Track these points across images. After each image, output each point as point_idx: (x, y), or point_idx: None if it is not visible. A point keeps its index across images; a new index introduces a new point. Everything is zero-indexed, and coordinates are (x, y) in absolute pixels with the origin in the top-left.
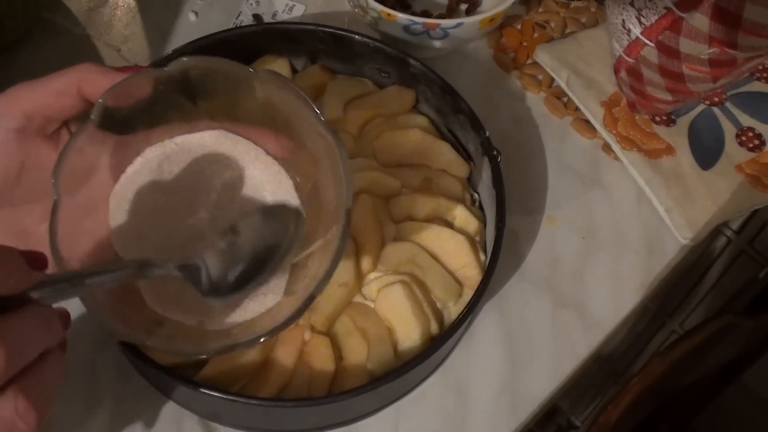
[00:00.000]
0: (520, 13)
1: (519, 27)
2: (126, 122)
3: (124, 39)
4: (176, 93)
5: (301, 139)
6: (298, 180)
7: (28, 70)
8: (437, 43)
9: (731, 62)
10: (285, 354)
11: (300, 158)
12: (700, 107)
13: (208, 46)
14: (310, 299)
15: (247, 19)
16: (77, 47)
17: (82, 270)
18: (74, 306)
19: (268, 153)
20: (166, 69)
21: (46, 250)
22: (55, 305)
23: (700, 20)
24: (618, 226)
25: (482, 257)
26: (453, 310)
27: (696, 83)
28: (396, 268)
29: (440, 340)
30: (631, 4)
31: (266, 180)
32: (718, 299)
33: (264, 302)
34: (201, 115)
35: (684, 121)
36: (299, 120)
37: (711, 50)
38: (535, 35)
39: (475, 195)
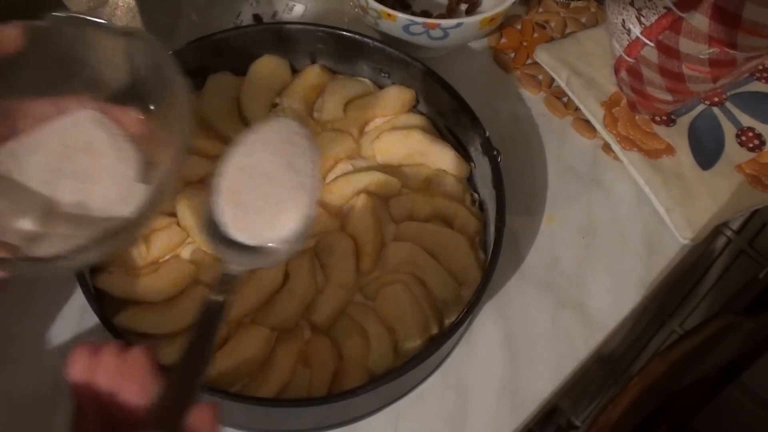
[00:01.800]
0: (520, 13)
1: (519, 27)
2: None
3: None
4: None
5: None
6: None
7: None
8: (437, 43)
9: (731, 62)
10: (285, 354)
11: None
12: (700, 107)
13: (208, 46)
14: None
15: (247, 19)
16: None
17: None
18: (74, 306)
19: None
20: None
21: None
22: None
23: (699, 20)
24: (618, 226)
25: (482, 257)
26: (453, 310)
27: (696, 83)
28: (396, 268)
29: (440, 340)
30: (631, 4)
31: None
32: (718, 299)
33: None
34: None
35: (684, 121)
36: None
37: (711, 50)
38: (535, 35)
39: (475, 195)
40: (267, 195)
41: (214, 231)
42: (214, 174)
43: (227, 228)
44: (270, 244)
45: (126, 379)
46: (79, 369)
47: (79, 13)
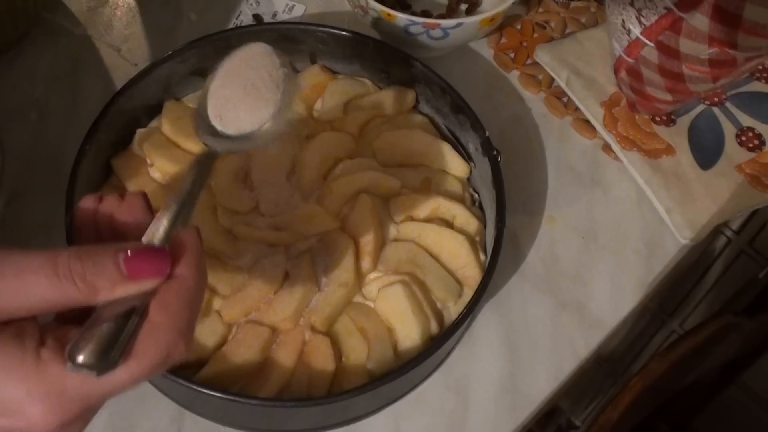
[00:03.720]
0: (520, 13)
1: (519, 27)
2: None
3: (124, 39)
4: None
5: None
6: None
7: (28, 70)
8: (437, 43)
9: (731, 62)
10: (285, 354)
11: None
12: (700, 107)
13: (208, 46)
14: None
15: (247, 19)
16: (77, 47)
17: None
18: None
19: None
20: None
21: None
22: None
23: (700, 20)
24: (618, 226)
25: (482, 257)
26: (453, 310)
27: (696, 83)
28: (396, 268)
29: (440, 340)
30: (631, 4)
31: None
32: (718, 299)
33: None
34: None
35: (684, 121)
36: None
37: (711, 50)
38: (535, 35)
39: (475, 195)
40: (246, 95)
41: (203, 124)
42: (207, 80)
43: (215, 122)
44: (247, 131)
45: (123, 213)
46: (86, 204)
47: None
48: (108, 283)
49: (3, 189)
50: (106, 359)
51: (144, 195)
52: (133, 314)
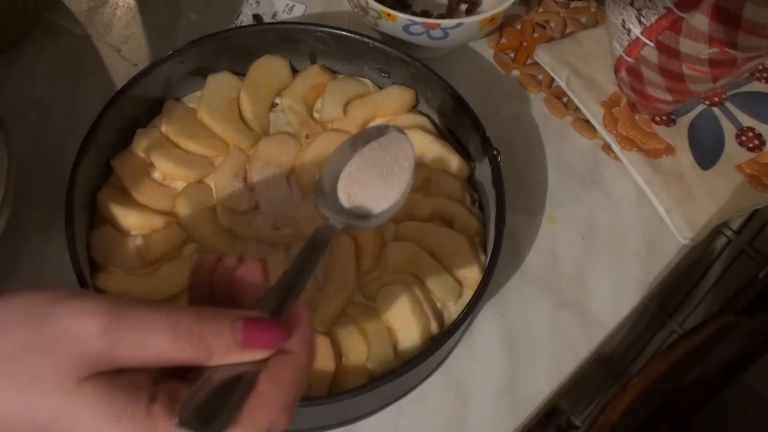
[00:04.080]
0: (520, 13)
1: (519, 27)
2: None
3: (124, 39)
4: None
5: None
6: None
7: (28, 70)
8: (437, 43)
9: (731, 62)
10: None
11: None
12: (700, 107)
13: (208, 46)
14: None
15: (247, 19)
16: (77, 47)
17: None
18: None
19: None
20: None
21: None
22: None
23: (699, 20)
24: (618, 226)
25: (482, 257)
26: (453, 310)
27: (696, 83)
28: (396, 268)
29: (440, 340)
30: (631, 4)
31: None
32: (718, 299)
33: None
34: None
35: (684, 121)
36: None
37: (711, 50)
38: (535, 35)
39: (475, 195)
40: (379, 178)
41: (325, 200)
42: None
43: (342, 198)
44: (371, 212)
45: (241, 275)
46: (202, 267)
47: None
48: (223, 348)
49: (10, 188)
50: (214, 424)
51: (263, 262)
52: (241, 381)
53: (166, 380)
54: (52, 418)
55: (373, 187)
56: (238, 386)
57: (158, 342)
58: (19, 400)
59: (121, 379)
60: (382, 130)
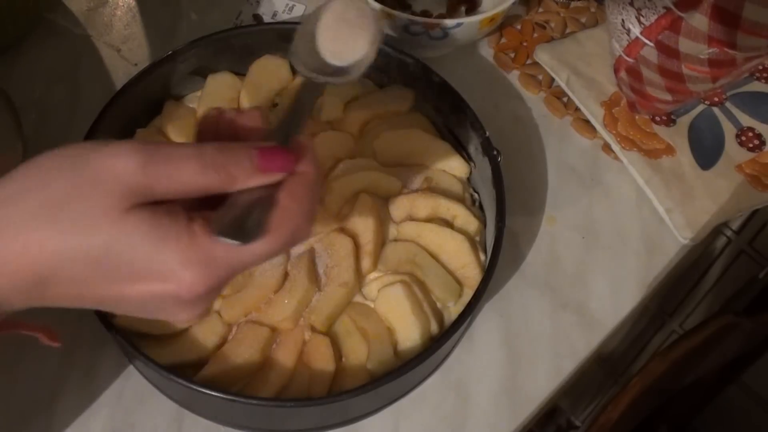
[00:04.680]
0: (520, 13)
1: (519, 27)
2: None
3: (124, 39)
4: None
5: None
6: None
7: (28, 70)
8: (437, 43)
9: (731, 62)
10: (285, 354)
11: None
12: (700, 107)
13: (208, 46)
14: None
15: (247, 19)
16: (77, 47)
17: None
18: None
19: None
20: None
21: None
22: None
23: (699, 20)
24: (618, 226)
25: (482, 257)
26: (453, 310)
27: (696, 83)
28: (396, 268)
29: (440, 340)
30: (631, 4)
31: None
32: (718, 299)
33: None
34: None
35: (684, 121)
36: None
37: (710, 50)
38: (535, 35)
39: (475, 195)
40: (349, 31)
41: (303, 60)
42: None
43: (325, 55)
44: (349, 63)
45: (243, 120)
46: (209, 113)
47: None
48: (244, 174)
49: None
50: (248, 232)
51: (261, 109)
52: (264, 200)
53: (198, 210)
54: (106, 248)
55: (350, 39)
56: (262, 204)
57: (188, 172)
58: (72, 237)
59: (160, 208)
60: None
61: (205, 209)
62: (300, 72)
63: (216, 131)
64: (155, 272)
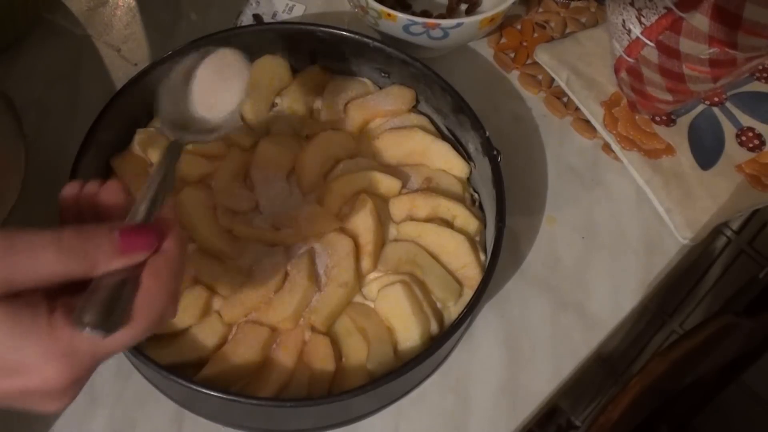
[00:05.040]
0: (520, 13)
1: (519, 27)
2: None
3: (124, 39)
4: None
5: None
6: None
7: (28, 70)
8: (437, 43)
9: (731, 62)
10: (285, 354)
11: None
12: (700, 107)
13: (208, 46)
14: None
15: (247, 19)
16: (77, 47)
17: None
18: None
19: None
20: None
21: None
22: None
23: (700, 20)
24: (618, 226)
25: (482, 257)
26: (453, 310)
27: (696, 83)
28: (396, 268)
29: (440, 340)
30: (631, 4)
31: None
32: (718, 299)
33: None
34: None
35: (684, 121)
36: None
37: (711, 50)
38: (535, 35)
39: (475, 195)
40: (223, 84)
41: (169, 120)
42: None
43: (196, 107)
44: (219, 118)
45: (104, 196)
46: (69, 189)
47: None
48: (105, 257)
49: (27, 177)
50: (111, 321)
51: (123, 182)
52: (127, 283)
53: (60, 297)
54: None
55: (224, 90)
56: (125, 288)
57: (47, 260)
58: None
59: (19, 301)
60: (210, 50)
61: (70, 293)
62: (165, 133)
63: (78, 209)
64: (18, 368)
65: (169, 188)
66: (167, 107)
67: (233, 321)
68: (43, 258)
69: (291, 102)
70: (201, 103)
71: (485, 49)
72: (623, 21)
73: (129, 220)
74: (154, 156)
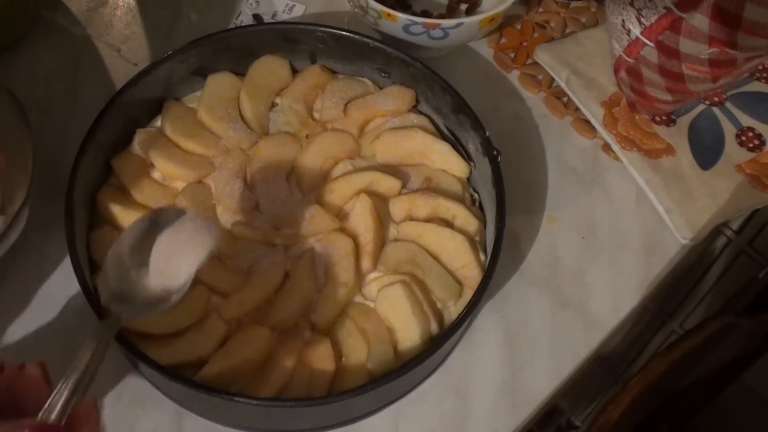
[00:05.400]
0: (520, 13)
1: (519, 27)
2: None
3: (124, 39)
4: None
5: None
6: None
7: (28, 70)
8: (437, 43)
9: (731, 62)
10: (285, 354)
11: None
12: (700, 107)
13: (208, 46)
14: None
15: (247, 19)
16: (77, 47)
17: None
18: (73, 306)
19: None
20: None
21: None
22: None
23: (699, 20)
24: (618, 226)
25: (482, 257)
26: (453, 310)
27: (696, 83)
28: (396, 268)
29: (440, 340)
30: (631, 4)
31: None
32: (718, 299)
33: None
34: None
35: (684, 121)
36: None
37: (711, 50)
38: (535, 35)
39: (475, 195)
40: (171, 258)
41: (112, 293)
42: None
43: (148, 277)
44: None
45: (22, 384)
46: None
47: None
48: None
49: (35, 173)
50: None
51: (43, 367)
52: None
53: None
54: None
55: (182, 258)
56: None
57: None
58: None
59: None
60: (177, 215)
61: None
62: (107, 306)
63: None
64: None
65: (93, 377)
66: (112, 275)
67: (233, 321)
68: None
69: (291, 102)
70: (153, 271)
71: (485, 49)
72: (623, 21)
73: (43, 414)
74: (154, 156)
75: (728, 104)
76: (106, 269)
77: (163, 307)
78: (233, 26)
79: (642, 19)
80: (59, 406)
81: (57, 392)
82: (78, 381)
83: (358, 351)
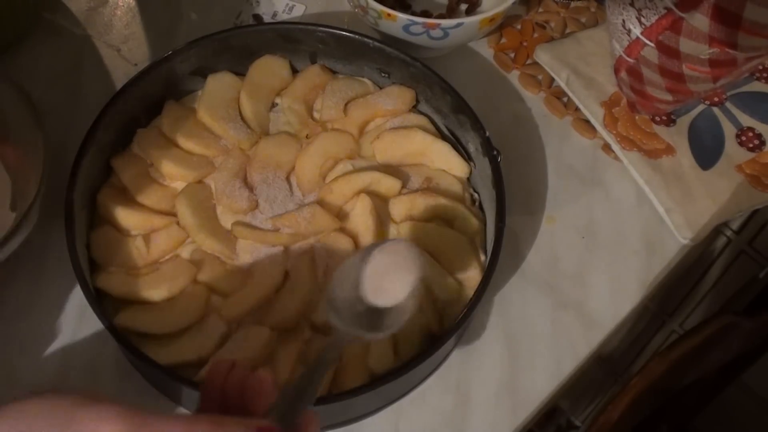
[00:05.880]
0: (520, 13)
1: (519, 27)
2: None
3: (124, 39)
4: None
5: None
6: None
7: (28, 70)
8: (437, 43)
9: (731, 62)
10: (285, 354)
11: None
12: (700, 107)
13: (208, 46)
14: None
15: (247, 19)
16: (77, 47)
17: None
18: (74, 307)
19: None
20: None
21: None
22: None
23: (700, 20)
24: (618, 226)
25: (482, 257)
26: (453, 310)
27: (696, 83)
28: None
29: (440, 340)
30: (631, 4)
31: None
32: (718, 299)
33: None
34: None
35: (684, 121)
36: None
37: (711, 50)
38: (535, 35)
39: (475, 195)
40: (388, 278)
41: (338, 313)
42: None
43: (367, 296)
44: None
45: (252, 385)
46: (218, 368)
47: None
48: None
49: (46, 167)
50: None
51: (273, 373)
52: None
53: None
54: None
55: (395, 280)
56: None
57: None
58: None
59: None
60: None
61: None
62: (334, 324)
63: (223, 385)
64: None
65: (319, 386)
66: (338, 295)
67: (233, 321)
68: None
69: (291, 102)
70: (372, 289)
71: (485, 49)
72: (623, 21)
73: (270, 414)
74: (155, 156)
75: (728, 104)
76: (334, 290)
77: (383, 334)
78: (233, 26)
79: (642, 19)
80: (286, 411)
81: (285, 395)
82: (306, 387)
83: (358, 351)
